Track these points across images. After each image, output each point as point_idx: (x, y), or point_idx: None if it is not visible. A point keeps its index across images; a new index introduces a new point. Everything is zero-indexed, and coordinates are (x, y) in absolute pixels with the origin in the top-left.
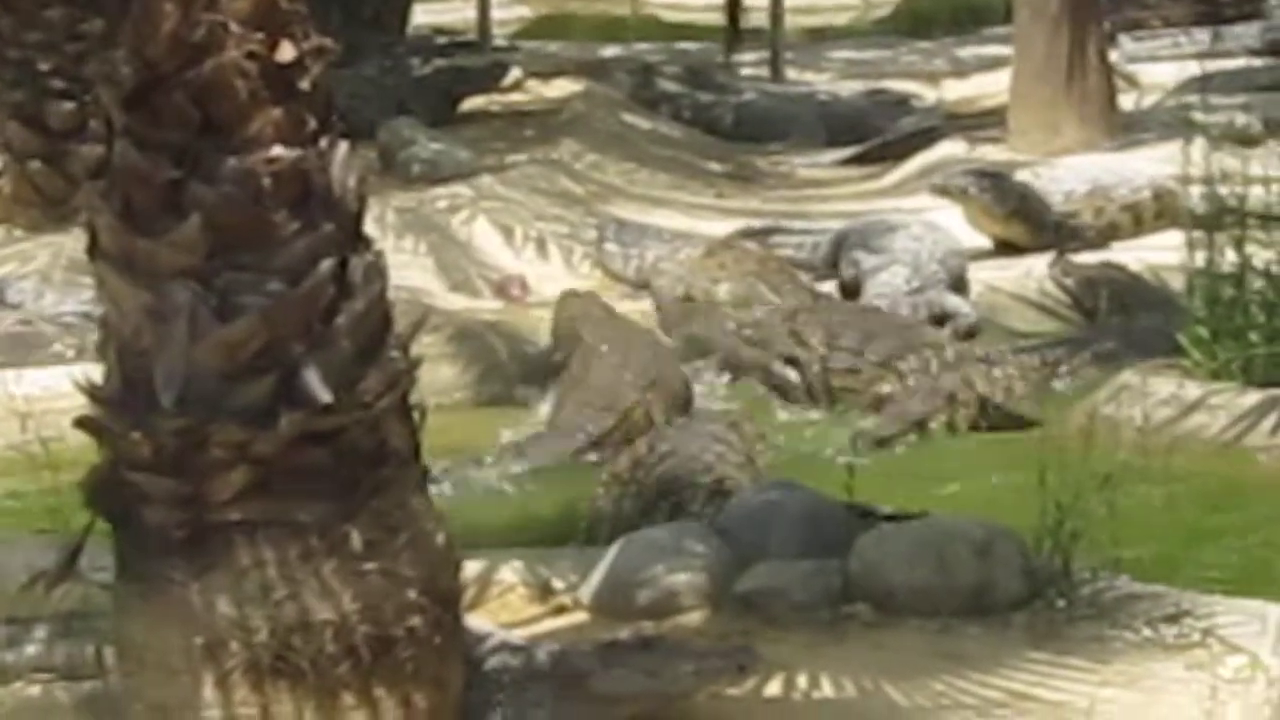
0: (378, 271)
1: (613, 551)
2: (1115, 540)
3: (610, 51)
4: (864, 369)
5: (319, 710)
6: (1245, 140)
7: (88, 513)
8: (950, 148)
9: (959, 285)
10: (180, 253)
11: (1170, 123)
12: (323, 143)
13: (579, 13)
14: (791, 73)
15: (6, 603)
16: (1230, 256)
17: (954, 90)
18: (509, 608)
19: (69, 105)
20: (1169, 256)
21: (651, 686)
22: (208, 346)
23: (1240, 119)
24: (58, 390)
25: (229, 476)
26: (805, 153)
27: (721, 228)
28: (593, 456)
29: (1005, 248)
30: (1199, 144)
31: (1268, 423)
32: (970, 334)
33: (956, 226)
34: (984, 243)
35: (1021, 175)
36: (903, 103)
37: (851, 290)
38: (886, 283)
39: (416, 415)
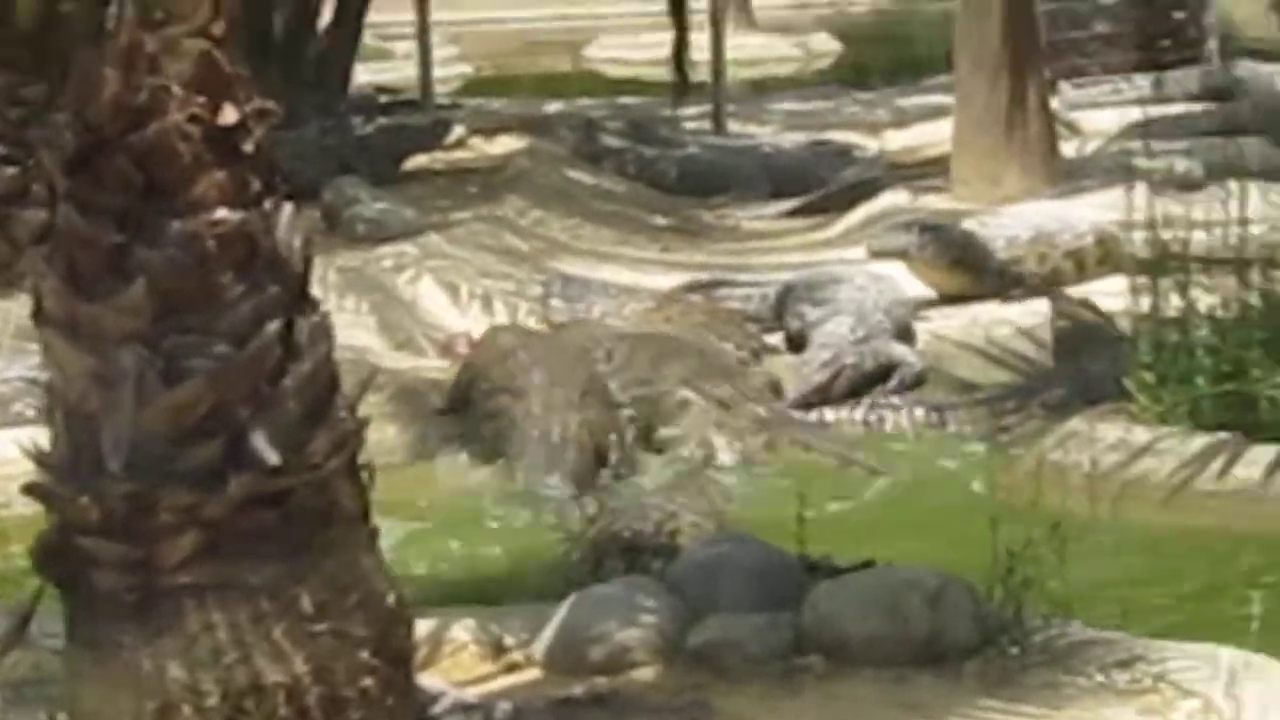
0: (324, 332)
1: (564, 608)
2: (1066, 586)
3: (553, 108)
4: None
5: None
6: (1187, 185)
7: (37, 579)
8: (893, 198)
9: (904, 334)
10: (126, 317)
11: (1112, 169)
12: (267, 204)
13: (521, 70)
14: (734, 125)
15: None
16: (1174, 301)
17: (896, 140)
18: (461, 666)
19: (11, 170)
20: (1113, 302)
21: None
22: (155, 411)
23: (1181, 164)
24: (4, 457)
25: (178, 540)
26: (749, 205)
27: (667, 281)
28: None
29: (951, 297)
30: (1141, 189)
31: (1214, 466)
32: (917, 383)
33: (901, 276)
34: (929, 292)
35: (966, 224)
36: (845, 153)
37: (797, 342)
38: (832, 333)
39: (365, 475)
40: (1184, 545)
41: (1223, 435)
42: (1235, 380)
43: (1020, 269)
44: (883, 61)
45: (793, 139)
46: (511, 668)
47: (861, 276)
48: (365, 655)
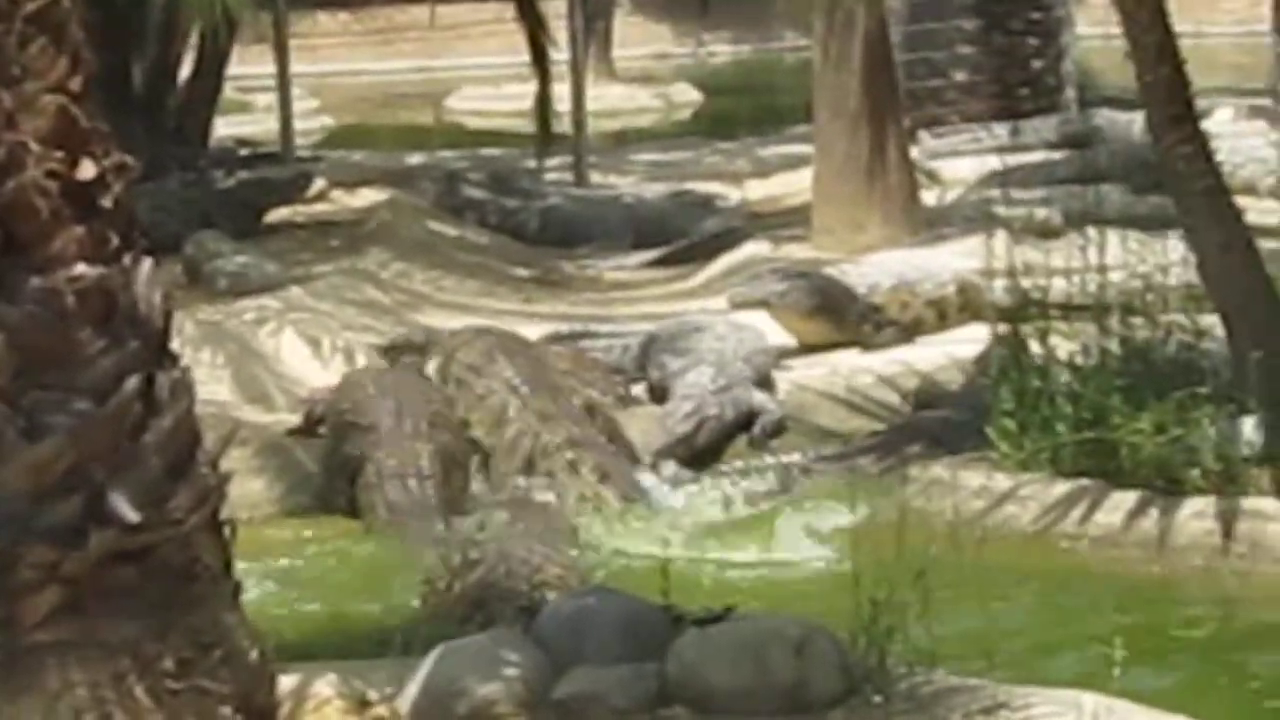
0: (185, 387)
1: (429, 661)
2: (930, 634)
3: (414, 160)
4: None
5: None
6: (1046, 233)
7: None
8: (755, 248)
9: (765, 383)
10: None
11: (972, 217)
12: (126, 259)
13: (382, 122)
14: (595, 176)
15: None
16: (1035, 348)
17: (757, 190)
18: None
19: None
20: (974, 350)
21: None
22: (15, 467)
23: (1040, 212)
24: None
25: (39, 597)
26: (611, 256)
27: (530, 332)
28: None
29: (812, 346)
30: (1001, 237)
31: (1076, 512)
32: (777, 431)
33: (763, 324)
34: (791, 340)
35: (827, 272)
36: (707, 203)
37: (659, 393)
38: (693, 383)
39: (227, 530)
40: (1047, 591)
41: (1084, 481)
42: (1096, 427)
43: (881, 317)
44: (743, 111)
45: (654, 189)
46: None
47: (722, 325)
48: (228, 712)
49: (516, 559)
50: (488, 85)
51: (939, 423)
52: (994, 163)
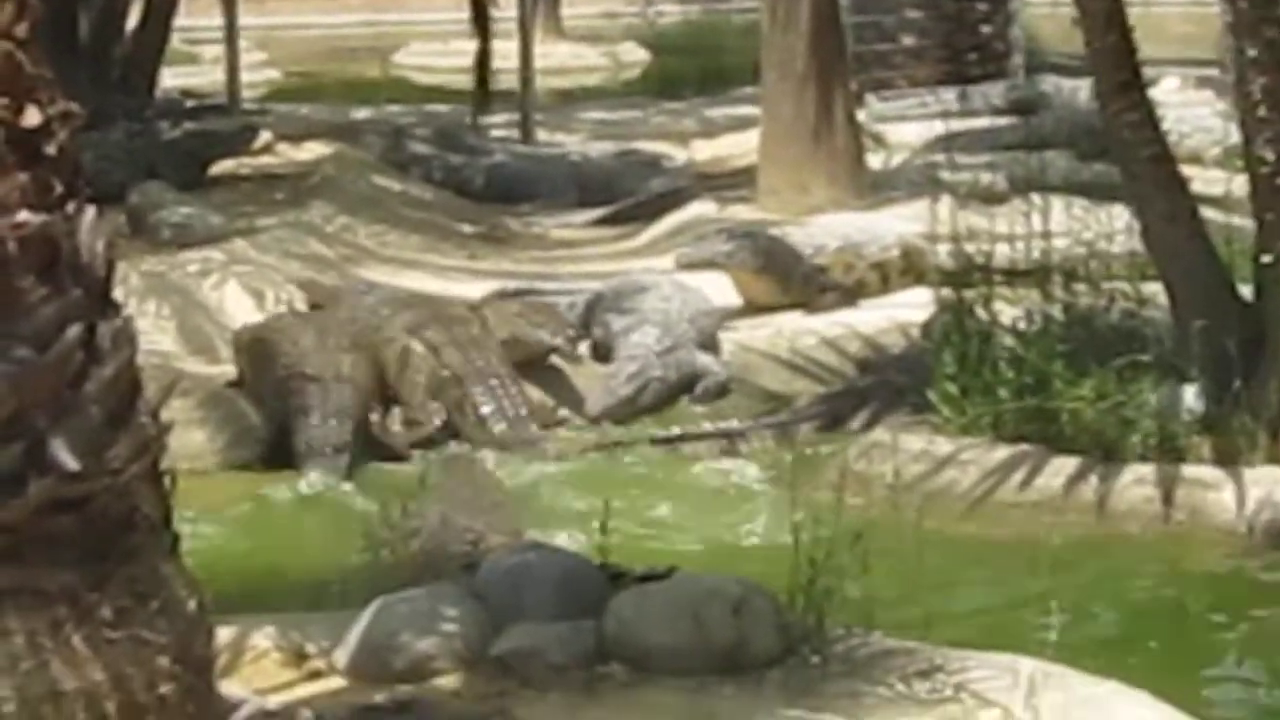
0: (127, 337)
1: (367, 615)
2: (868, 596)
3: (361, 114)
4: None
5: None
6: (991, 198)
7: None
8: (701, 208)
9: (709, 344)
10: None
11: (918, 181)
12: (70, 207)
13: (329, 75)
14: (542, 134)
15: None
16: (978, 313)
17: (704, 150)
18: (263, 673)
19: None
20: (917, 314)
21: None
22: None
23: (986, 177)
24: None
25: None
26: (557, 214)
27: (474, 289)
28: None
29: (757, 307)
30: (946, 202)
31: (1017, 477)
32: (720, 393)
33: (707, 285)
34: (735, 301)
35: (773, 233)
36: (653, 163)
37: (603, 352)
38: (638, 343)
39: (167, 481)
40: (985, 555)
41: (1025, 447)
42: (1037, 393)
43: (826, 279)
44: (691, 72)
45: (600, 148)
46: (314, 675)
47: (667, 285)
48: (165, 662)
49: (458, 527)
50: (436, 41)
51: (881, 386)
52: (940, 127)
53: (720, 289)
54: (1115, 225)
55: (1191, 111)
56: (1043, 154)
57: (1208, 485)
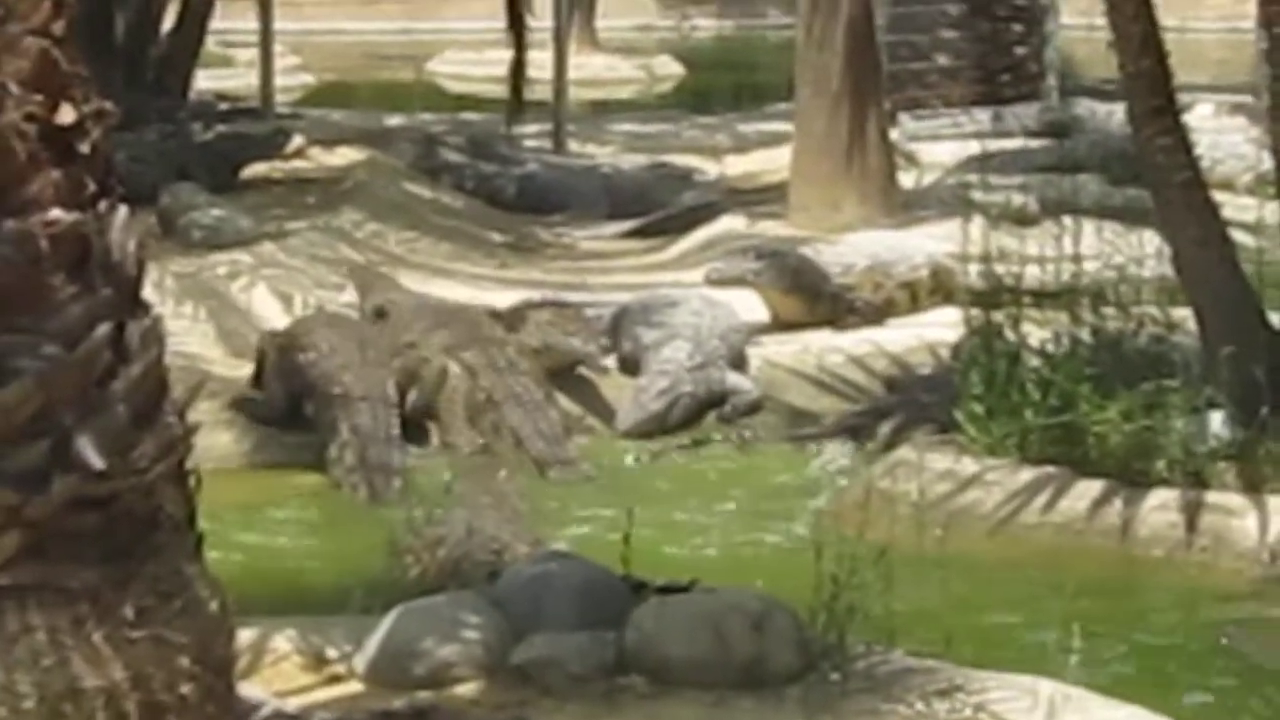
0: (155, 337)
1: (388, 621)
2: (890, 615)
3: (394, 121)
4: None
5: None
6: (1022, 220)
7: None
8: (731, 223)
9: (738, 361)
10: None
11: (949, 201)
12: (102, 206)
13: (363, 81)
14: (574, 145)
15: None
16: (1006, 334)
17: (736, 165)
18: (283, 676)
19: None
20: (945, 333)
21: None
22: None
23: (1017, 199)
24: None
25: (0, 541)
26: (587, 225)
27: (503, 298)
28: None
29: (785, 324)
30: (977, 223)
31: (1041, 499)
32: (752, 410)
33: (735, 300)
34: (763, 317)
35: (802, 252)
36: (685, 177)
37: (631, 365)
38: (669, 358)
39: (192, 481)
40: (1008, 576)
41: (1049, 469)
42: (1064, 414)
43: (855, 297)
44: (724, 86)
45: (632, 160)
46: (333, 679)
47: (697, 300)
48: (185, 662)
49: (483, 536)
50: (470, 49)
51: (907, 405)
52: (973, 147)
53: (748, 304)
54: (1146, 250)
55: (1225, 138)
56: (1075, 177)
57: (1232, 512)
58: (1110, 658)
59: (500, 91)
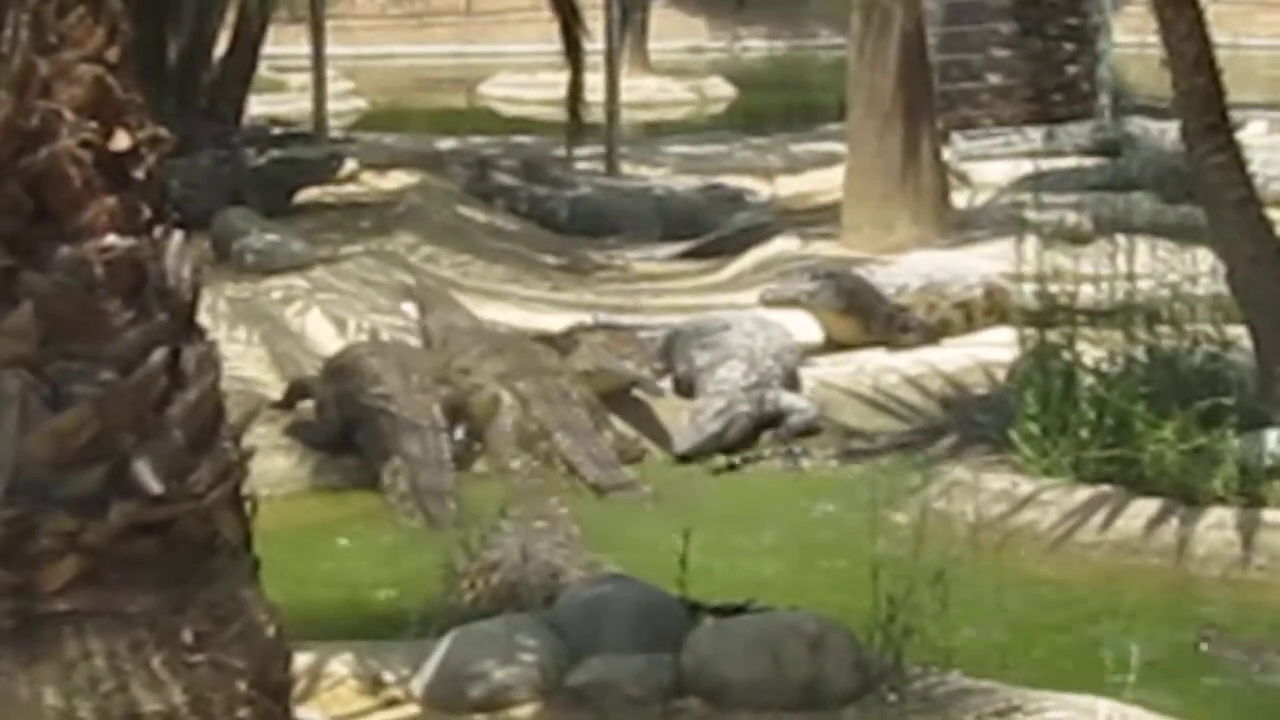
0: (210, 362)
1: (445, 644)
2: (947, 635)
3: (446, 144)
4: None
5: None
6: (1076, 239)
7: None
8: (784, 243)
9: (792, 381)
10: (12, 341)
11: (1003, 221)
12: (157, 232)
13: (415, 105)
14: (627, 167)
15: None
16: (1061, 354)
17: (788, 186)
18: (340, 700)
19: None
20: (1000, 353)
21: None
22: (38, 436)
23: (1071, 218)
24: None
25: (58, 566)
26: (640, 247)
27: (556, 321)
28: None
29: (838, 344)
30: (1031, 242)
31: (1097, 519)
32: (809, 430)
33: (788, 320)
34: (816, 338)
35: (856, 273)
36: (737, 198)
37: (685, 387)
38: (724, 379)
39: (248, 505)
40: (1065, 596)
41: (1105, 488)
42: (1119, 434)
43: (909, 318)
44: (776, 107)
45: (685, 182)
46: (390, 703)
47: (750, 322)
48: (243, 687)
49: (539, 560)
50: (522, 72)
51: (962, 425)
52: (1026, 167)
53: (801, 325)
54: (1200, 268)
55: (1279, 155)
56: (1129, 195)
57: None
58: (1167, 676)
59: (552, 114)
